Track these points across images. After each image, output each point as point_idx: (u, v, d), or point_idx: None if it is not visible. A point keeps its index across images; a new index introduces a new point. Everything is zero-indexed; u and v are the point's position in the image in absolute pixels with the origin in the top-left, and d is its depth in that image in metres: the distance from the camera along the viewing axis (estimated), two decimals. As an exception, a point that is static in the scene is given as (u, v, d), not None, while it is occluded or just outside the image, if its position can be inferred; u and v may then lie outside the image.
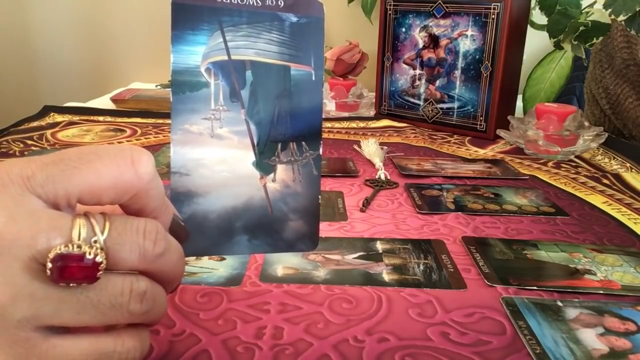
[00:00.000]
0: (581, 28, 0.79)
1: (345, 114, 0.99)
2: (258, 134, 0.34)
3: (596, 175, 0.69)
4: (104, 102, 1.07)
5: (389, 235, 0.49)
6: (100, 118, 0.93)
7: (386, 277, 0.42)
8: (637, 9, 0.73)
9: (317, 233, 0.36)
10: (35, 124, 0.87)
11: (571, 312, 0.37)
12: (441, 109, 0.89)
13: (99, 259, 0.23)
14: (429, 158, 0.75)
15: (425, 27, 0.88)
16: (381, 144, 0.76)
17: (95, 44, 1.37)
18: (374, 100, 0.99)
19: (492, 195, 0.60)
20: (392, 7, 0.91)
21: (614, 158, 0.75)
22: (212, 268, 0.42)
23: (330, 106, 1.01)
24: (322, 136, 0.36)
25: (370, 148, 0.73)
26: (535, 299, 0.39)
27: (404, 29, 0.90)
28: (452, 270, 0.43)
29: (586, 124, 0.77)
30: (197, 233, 0.33)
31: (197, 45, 0.32)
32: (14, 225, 0.23)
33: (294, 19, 0.34)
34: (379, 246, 0.47)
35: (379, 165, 0.68)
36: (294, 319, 0.36)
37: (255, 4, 0.33)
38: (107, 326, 0.26)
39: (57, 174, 0.24)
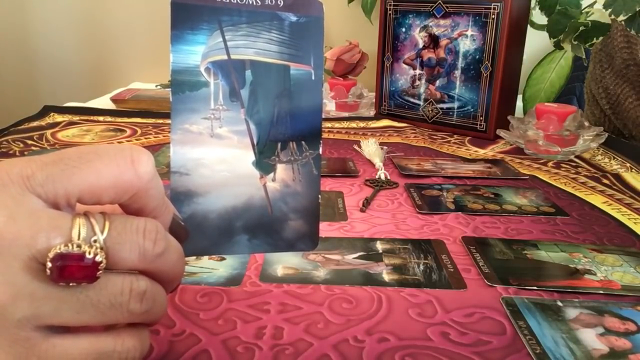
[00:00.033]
0: (581, 28, 0.79)
1: (345, 114, 0.99)
2: (258, 133, 0.34)
3: (596, 175, 0.68)
4: (104, 102, 1.07)
5: (389, 235, 0.49)
6: (100, 118, 0.93)
7: (386, 277, 0.41)
8: (637, 9, 0.73)
9: (317, 233, 0.36)
10: (35, 124, 0.87)
11: (571, 312, 0.37)
12: (441, 109, 0.89)
13: (98, 258, 0.23)
14: (429, 158, 0.75)
15: (425, 27, 0.88)
16: (381, 144, 0.76)
17: (95, 44, 1.37)
18: (374, 100, 0.99)
19: (492, 195, 0.60)
20: (392, 7, 0.91)
21: (614, 158, 0.75)
22: (212, 268, 0.42)
23: (330, 106, 1.01)
24: (322, 136, 0.36)
25: (370, 148, 0.73)
26: (535, 299, 0.39)
27: (404, 29, 0.90)
28: (452, 270, 0.43)
29: (586, 124, 0.77)
30: (197, 233, 0.33)
31: (196, 45, 0.32)
32: (14, 225, 0.23)
33: (294, 18, 0.34)
34: (379, 246, 0.47)
35: (379, 165, 0.68)
36: (294, 319, 0.36)
37: (254, 3, 0.33)
38: (107, 326, 0.26)
39: (57, 173, 0.24)
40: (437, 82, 0.88)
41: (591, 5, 0.83)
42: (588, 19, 0.79)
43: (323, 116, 0.34)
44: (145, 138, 0.82)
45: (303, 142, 0.35)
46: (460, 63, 0.85)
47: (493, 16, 0.80)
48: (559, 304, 0.38)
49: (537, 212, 0.55)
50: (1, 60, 1.38)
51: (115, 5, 1.34)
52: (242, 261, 0.43)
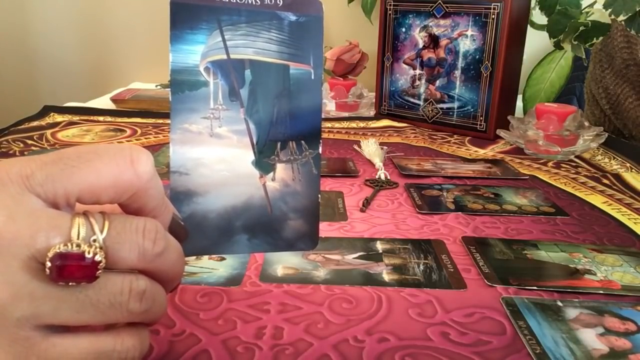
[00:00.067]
0: (581, 28, 0.79)
1: (345, 114, 0.99)
2: (257, 133, 0.34)
3: (596, 175, 0.68)
4: (104, 102, 1.07)
5: (389, 235, 0.49)
6: (100, 118, 0.93)
7: (386, 277, 0.41)
8: (637, 9, 0.73)
9: (316, 232, 0.36)
10: (35, 123, 0.87)
11: (571, 312, 0.37)
12: (441, 109, 0.89)
13: (98, 258, 0.23)
14: (429, 158, 0.75)
15: (425, 27, 0.88)
16: (381, 144, 0.76)
17: (95, 44, 1.37)
18: (374, 100, 0.99)
19: (492, 195, 0.60)
20: (392, 7, 0.91)
21: (614, 158, 0.75)
22: (212, 268, 0.42)
23: (330, 106, 1.00)
24: (322, 136, 0.36)
25: (370, 148, 0.73)
26: (535, 299, 0.39)
27: (404, 29, 0.90)
28: (452, 270, 0.43)
29: (586, 124, 0.77)
30: (196, 232, 0.33)
31: (196, 45, 0.32)
32: (13, 225, 0.23)
33: (293, 17, 0.33)
34: (379, 246, 0.47)
35: (379, 165, 0.68)
36: (294, 319, 0.36)
37: (254, 2, 0.33)
38: (107, 325, 0.26)
39: (56, 173, 0.24)
40: (437, 82, 0.88)
41: (591, 5, 0.83)
42: (588, 19, 0.79)
43: (323, 116, 0.34)
44: (145, 138, 0.82)
45: (303, 142, 0.35)
46: (460, 63, 0.85)
47: (493, 16, 0.80)
48: (559, 304, 0.38)
49: (537, 212, 0.55)
50: (1, 60, 1.38)
51: (115, 5, 1.34)
52: (242, 261, 0.43)
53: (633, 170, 0.70)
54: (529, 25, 0.87)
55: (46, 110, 0.94)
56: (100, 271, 0.24)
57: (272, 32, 0.33)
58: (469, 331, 0.35)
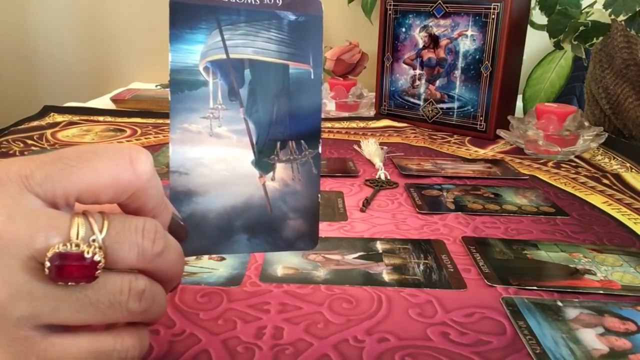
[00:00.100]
0: (581, 28, 0.79)
1: (345, 114, 0.99)
2: (257, 132, 0.34)
3: (596, 175, 0.68)
4: (104, 102, 1.07)
5: (389, 235, 0.49)
6: (100, 118, 0.93)
7: (386, 277, 0.41)
8: (637, 9, 0.73)
9: (316, 232, 0.36)
10: (35, 123, 0.87)
11: (571, 312, 0.37)
12: (441, 109, 0.89)
13: (97, 257, 0.23)
14: (429, 158, 0.74)
15: (425, 27, 0.88)
16: (381, 144, 0.76)
17: (95, 44, 1.37)
18: (374, 100, 0.99)
19: (492, 195, 0.60)
20: (392, 7, 0.91)
21: (614, 158, 0.75)
22: (212, 268, 0.42)
23: (330, 106, 1.00)
24: (322, 136, 0.36)
25: (370, 148, 0.73)
26: (535, 299, 0.39)
27: (404, 29, 0.90)
28: (452, 270, 0.43)
29: (586, 124, 0.77)
30: (196, 232, 0.33)
31: (195, 44, 0.32)
32: (13, 224, 0.23)
33: (293, 17, 0.33)
34: (379, 246, 0.47)
35: (379, 165, 0.68)
36: (294, 319, 0.36)
37: (253, 2, 0.33)
38: (107, 325, 0.26)
39: (55, 172, 0.24)
40: (437, 82, 0.88)
41: (591, 5, 0.83)
42: (588, 19, 0.79)
43: (323, 116, 0.34)
44: (145, 138, 0.82)
45: (302, 141, 0.35)
46: (460, 63, 0.85)
47: (493, 16, 0.79)
48: (559, 304, 0.38)
49: (537, 212, 0.55)
50: (1, 60, 1.38)
51: (115, 5, 1.34)
52: (242, 261, 0.43)
53: (633, 170, 0.70)
54: (529, 25, 0.87)
55: (46, 110, 0.94)
56: (99, 271, 0.24)
57: (271, 31, 0.33)
58: (469, 331, 0.35)
